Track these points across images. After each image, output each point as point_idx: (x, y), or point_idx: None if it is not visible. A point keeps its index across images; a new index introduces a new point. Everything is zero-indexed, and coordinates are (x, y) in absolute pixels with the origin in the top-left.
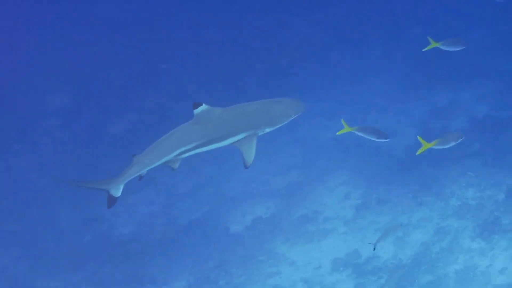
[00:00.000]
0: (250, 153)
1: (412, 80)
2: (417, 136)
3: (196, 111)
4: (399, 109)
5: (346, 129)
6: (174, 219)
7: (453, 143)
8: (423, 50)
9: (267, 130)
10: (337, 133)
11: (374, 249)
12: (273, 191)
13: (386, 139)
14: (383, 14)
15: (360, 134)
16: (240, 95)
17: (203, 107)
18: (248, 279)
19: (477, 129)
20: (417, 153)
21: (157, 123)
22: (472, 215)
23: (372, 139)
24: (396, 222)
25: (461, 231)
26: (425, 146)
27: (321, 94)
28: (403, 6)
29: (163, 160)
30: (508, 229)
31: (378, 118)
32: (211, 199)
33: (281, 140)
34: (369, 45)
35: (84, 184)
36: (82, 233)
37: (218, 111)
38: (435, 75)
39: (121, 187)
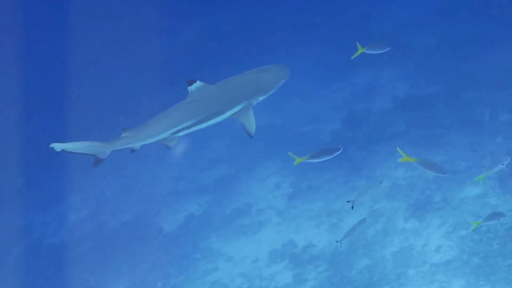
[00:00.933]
0: (250, 123)
1: (333, 63)
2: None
3: (190, 88)
4: (322, 93)
5: (406, 159)
6: (105, 224)
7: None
8: (352, 57)
9: (261, 98)
10: (399, 160)
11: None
12: (203, 186)
13: (443, 173)
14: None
15: (420, 166)
16: None
17: (197, 84)
18: (186, 279)
19: (400, 108)
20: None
21: None
22: (404, 195)
23: (431, 173)
24: (329, 208)
25: (394, 213)
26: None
27: None
28: None
29: (158, 137)
30: (440, 207)
31: (302, 104)
32: (140, 200)
33: (207, 133)
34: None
35: (72, 148)
36: (11, 245)
37: (211, 87)
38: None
39: (108, 152)
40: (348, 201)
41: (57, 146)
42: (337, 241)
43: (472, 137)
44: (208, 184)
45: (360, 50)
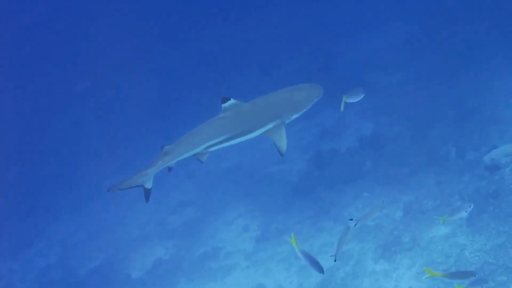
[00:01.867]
0: (282, 141)
1: None
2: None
3: (224, 105)
4: (288, 133)
5: (432, 274)
6: (73, 270)
7: None
8: (342, 110)
9: (293, 116)
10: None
11: (335, 260)
12: (170, 230)
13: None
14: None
15: (447, 279)
16: None
17: (231, 101)
18: None
19: (366, 147)
20: None
21: None
22: (373, 236)
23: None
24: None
25: (363, 254)
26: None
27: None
28: None
29: (192, 152)
30: (409, 247)
31: (268, 145)
32: (108, 245)
33: (174, 176)
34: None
35: (121, 186)
36: None
37: (245, 105)
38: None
39: (152, 178)
40: (331, 256)
41: (112, 189)
42: (331, 256)
43: (439, 176)
44: (176, 228)
45: (345, 99)
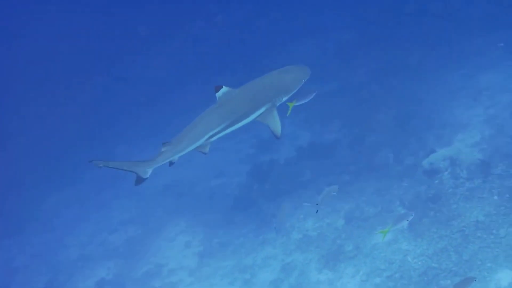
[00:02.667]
0: (275, 124)
1: None
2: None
3: (218, 94)
4: (226, 146)
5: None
6: None
7: None
8: (287, 115)
9: (284, 98)
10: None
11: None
12: (112, 250)
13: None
14: None
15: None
16: None
17: (224, 89)
18: None
19: (305, 157)
20: None
21: None
22: (315, 246)
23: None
24: (242, 264)
25: (307, 265)
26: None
27: (143, 143)
28: None
29: (194, 145)
30: (353, 255)
31: (207, 158)
32: (49, 268)
33: (113, 193)
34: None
35: (114, 165)
36: None
37: (236, 91)
38: None
39: (150, 170)
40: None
41: (99, 164)
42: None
43: (379, 182)
44: (117, 247)
45: (291, 105)
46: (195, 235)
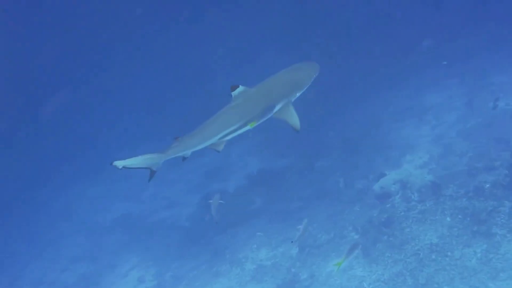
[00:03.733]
0: (294, 118)
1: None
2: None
3: (234, 93)
4: (175, 177)
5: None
6: None
7: None
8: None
9: (298, 94)
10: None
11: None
12: None
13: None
14: None
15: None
16: None
17: (240, 88)
18: None
19: (255, 185)
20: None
21: None
22: (270, 276)
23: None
24: None
25: None
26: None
27: (91, 179)
28: None
29: (208, 143)
30: (308, 284)
31: (156, 190)
32: None
33: (64, 229)
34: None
35: (131, 164)
36: None
37: (252, 90)
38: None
39: (161, 162)
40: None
41: (119, 164)
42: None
43: (331, 208)
44: (69, 286)
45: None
46: (147, 270)
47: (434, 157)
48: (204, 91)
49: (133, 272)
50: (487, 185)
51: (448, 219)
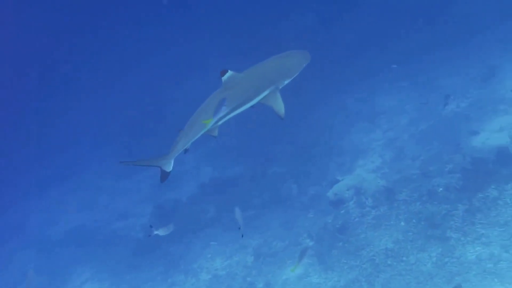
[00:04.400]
0: (279, 105)
1: (132, 154)
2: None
3: (224, 78)
4: (127, 186)
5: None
6: None
7: None
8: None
9: (286, 82)
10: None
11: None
12: None
13: None
14: None
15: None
16: None
17: (229, 73)
18: None
19: (208, 193)
20: None
21: None
22: (226, 285)
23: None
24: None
25: None
26: None
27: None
28: None
29: (205, 130)
30: None
31: (109, 200)
32: None
33: (12, 244)
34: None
35: (139, 163)
36: None
37: (241, 75)
38: (148, 143)
39: (172, 161)
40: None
41: (127, 163)
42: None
43: (284, 215)
44: None
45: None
46: (101, 282)
47: (386, 161)
48: None
49: (86, 285)
50: (440, 189)
51: (403, 223)
